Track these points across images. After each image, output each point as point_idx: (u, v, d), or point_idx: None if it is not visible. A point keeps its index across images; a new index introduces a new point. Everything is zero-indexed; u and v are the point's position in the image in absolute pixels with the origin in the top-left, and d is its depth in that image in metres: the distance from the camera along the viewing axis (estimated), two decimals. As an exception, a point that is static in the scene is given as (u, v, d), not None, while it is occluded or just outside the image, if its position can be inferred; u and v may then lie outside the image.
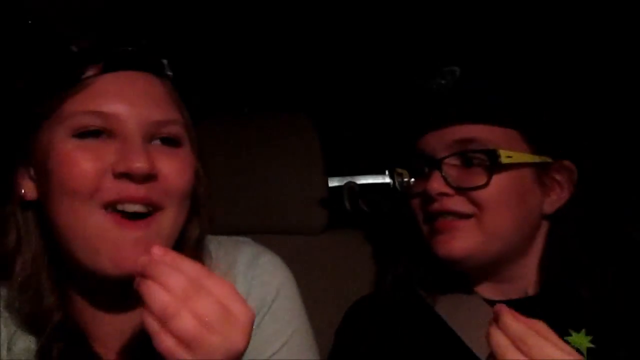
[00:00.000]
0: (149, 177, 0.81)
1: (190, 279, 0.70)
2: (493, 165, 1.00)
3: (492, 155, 1.00)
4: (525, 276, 1.06)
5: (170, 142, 0.86)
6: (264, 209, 1.46)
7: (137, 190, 0.81)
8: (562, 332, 0.96)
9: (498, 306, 0.80)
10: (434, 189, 1.02)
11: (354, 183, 2.07)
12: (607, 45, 1.55)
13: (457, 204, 1.02)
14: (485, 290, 1.08)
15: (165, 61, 0.90)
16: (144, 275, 0.71)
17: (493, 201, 1.01)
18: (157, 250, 0.73)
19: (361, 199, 1.97)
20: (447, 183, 1.01)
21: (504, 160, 0.99)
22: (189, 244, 0.92)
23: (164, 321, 0.69)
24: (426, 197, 1.04)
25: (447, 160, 1.02)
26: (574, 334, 0.96)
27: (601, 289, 1.00)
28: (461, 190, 1.01)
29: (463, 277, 1.09)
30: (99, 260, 0.81)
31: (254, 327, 0.73)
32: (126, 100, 0.83)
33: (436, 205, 1.03)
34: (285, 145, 1.48)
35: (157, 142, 0.85)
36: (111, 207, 0.81)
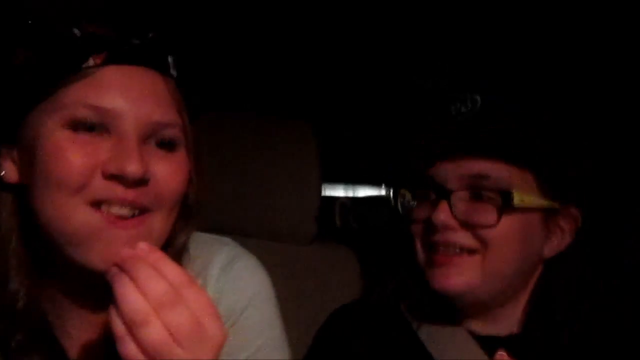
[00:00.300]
0: (140, 182, 0.78)
1: (170, 285, 0.67)
2: (505, 205, 0.98)
3: (506, 196, 0.98)
4: (513, 315, 1.05)
5: (166, 145, 0.82)
6: (255, 213, 1.44)
7: (125, 192, 0.77)
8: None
9: (499, 356, 0.81)
10: (440, 220, 0.99)
11: (346, 199, 2.06)
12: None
13: (462, 237, 1.00)
14: (472, 323, 1.07)
15: (171, 59, 0.86)
16: (122, 269, 0.68)
17: (499, 240, 0.99)
18: (144, 246, 0.70)
19: (352, 215, 1.96)
20: (454, 216, 0.99)
21: (516, 202, 0.98)
22: (174, 249, 0.88)
23: (131, 327, 0.65)
24: (429, 226, 1.02)
25: (457, 193, 1.00)
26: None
27: (583, 336, 0.99)
28: (468, 226, 0.99)
29: (451, 307, 1.07)
30: (89, 255, 0.77)
31: None
32: (127, 96, 0.79)
33: (439, 236, 1.01)
34: (283, 151, 1.46)
35: (153, 143, 0.81)
36: (97, 205, 0.77)
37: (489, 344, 1.02)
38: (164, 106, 0.82)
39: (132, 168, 0.76)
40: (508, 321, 1.05)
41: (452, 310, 1.07)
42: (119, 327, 0.66)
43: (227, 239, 0.99)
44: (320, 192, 1.45)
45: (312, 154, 1.45)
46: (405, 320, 1.11)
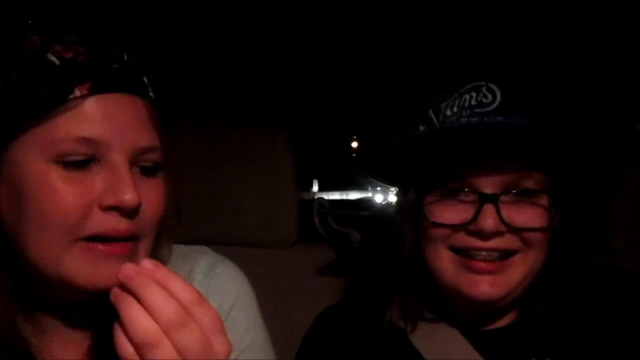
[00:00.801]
0: (136, 211, 0.77)
1: (180, 305, 0.66)
2: (554, 206, 0.97)
3: (556, 196, 0.97)
4: (510, 309, 1.04)
5: (148, 170, 0.81)
6: (233, 221, 1.44)
7: (119, 223, 0.76)
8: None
9: None
10: (489, 227, 0.94)
11: (324, 199, 2.06)
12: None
13: (507, 242, 0.96)
14: (465, 320, 1.05)
15: (146, 79, 0.84)
16: (125, 289, 0.67)
17: (542, 240, 0.97)
18: (148, 264, 0.68)
19: (330, 215, 1.97)
20: (502, 220, 0.95)
21: (559, 203, 0.97)
22: None
23: (141, 348, 0.65)
24: (462, 230, 0.97)
25: (501, 197, 0.95)
26: (537, 362, 0.96)
27: (577, 325, 0.99)
28: (515, 230, 0.96)
29: (443, 307, 1.06)
30: (74, 281, 0.77)
31: None
32: (114, 125, 0.77)
33: (480, 242, 0.96)
34: (256, 158, 1.46)
35: (136, 169, 0.80)
36: (91, 239, 0.76)
37: (480, 339, 1.02)
38: (147, 131, 0.81)
39: (129, 197, 0.75)
40: (499, 314, 1.04)
41: (443, 309, 1.06)
42: (127, 350, 0.65)
43: (205, 248, 1.00)
44: (296, 196, 1.46)
45: (287, 159, 1.45)
46: (394, 324, 1.08)
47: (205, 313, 0.67)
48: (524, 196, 0.96)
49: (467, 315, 1.04)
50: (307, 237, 1.54)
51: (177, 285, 0.67)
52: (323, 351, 1.11)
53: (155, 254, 0.87)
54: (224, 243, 1.29)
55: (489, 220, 0.93)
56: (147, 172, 0.81)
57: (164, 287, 0.67)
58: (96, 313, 0.80)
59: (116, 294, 0.68)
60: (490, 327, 1.04)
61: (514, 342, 1.01)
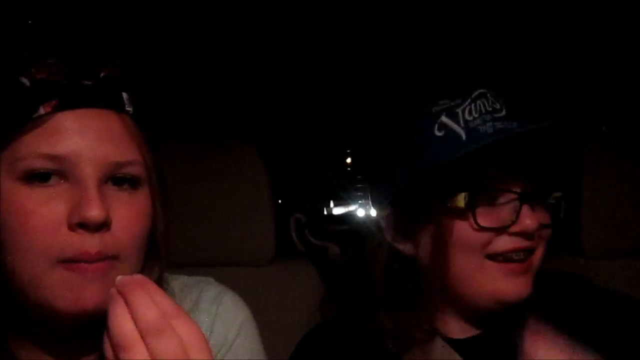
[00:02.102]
0: (102, 226, 0.76)
1: (161, 313, 0.66)
2: (558, 204, 1.00)
3: (560, 196, 1.00)
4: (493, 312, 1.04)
5: (127, 185, 0.80)
6: (209, 241, 1.43)
7: (92, 246, 0.75)
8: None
9: None
10: (532, 227, 0.96)
11: (301, 215, 2.07)
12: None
13: (536, 240, 0.99)
14: (448, 329, 1.05)
15: (125, 95, 0.82)
16: (120, 293, 0.67)
17: (549, 236, 1.00)
18: (140, 276, 0.69)
19: (308, 230, 1.97)
20: (537, 219, 0.97)
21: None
22: None
23: (116, 350, 0.65)
24: (513, 234, 0.97)
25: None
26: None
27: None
28: (541, 228, 0.98)
29: (432, 318, 1.06)
30: (55, 304, 0.76)
31: None
32: (82, 140, 0.76)
33: (522, 243, 0.97)
34: (229, 176, 1.45)
35: (112, 184, 0.79)
36: (66, 262, 0.75)
37: (463, 347, 1.03)
38: (121, 145, 0.79)
39: (94, 213, 0.74)
40: (485, 319, 1.04)
41: (428, 321, 1.06)
42: (107, 350, 0.66)
43: (210, 279, 1.01)
44: (273, 212, 1.45)
45: (261, 175, 1.45)
46: (379, 340, 1.06)
47: (186, 326, 0.67)
48: (541, 196, 0.99)
49: (465, 322, 1.04)
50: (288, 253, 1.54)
51: (161, 298, 0.67)
52: None
53: (146, 275, 0.84)
54: (201, 264, 1.29)
55: (529, 219, 0.95)
56: (125, 187, 0.80)
57: (150, 297, 0.67)
58: (94, 332, 0.79)
59: (112, 293, 0.67)
60: (476, 333, 1.04)
61: (502, 345, 1.01)
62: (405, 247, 1.05)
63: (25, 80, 0.77)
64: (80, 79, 0.78)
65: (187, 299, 0.94)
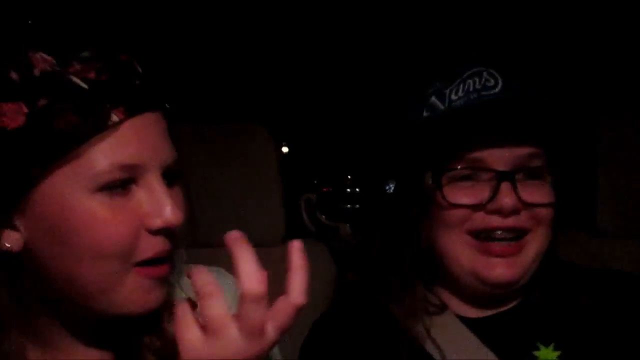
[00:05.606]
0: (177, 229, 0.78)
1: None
2: (558, 182, 0.99)
3: (557, 173, 0.99)
4: (512, 293, 1.03)
5: (172, 182, 0.80)
6: (218, 221, 1.41)
7: (165, 244, 0.77)
8: (531, 346, 0.96)
9: None
10: (511, 204, 0.95)
11: (312, 195, 2.06)
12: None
13: (524, 220, 0.97)
14: (462, 308, 1.05)
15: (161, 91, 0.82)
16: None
17: (550, 217, 0.99)
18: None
19: (319, 210, 1.97)
20: (519, 198, 0.96)
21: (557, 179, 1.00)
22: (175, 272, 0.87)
23: (208, 333, 0.69)
24: (480, 211, 0.97)
25: (517, 175, 0.97)
26: (542, 348, 0.95)
27: (571, 303, 1.00)
28: (529, 207, 0.97)
29: (441, 295, 1.06)
30: (127, 308, 0.77)
31: None
32: (148, 146, 0.76)
33: (500, 222, 0.96)
34: (238, 155, 1.44)
35: (167, 184, 0.79)
36: (142, 264, 0.76)
37: (483, 327, 1.02)
38: (168, 145, 0.79)
39: (175, 216, 0.76)
40: (505, 300, 1.04)
41: (441, 299, 1.06)
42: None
43: (221, 270, 0.99)
44: (281, 192, 1.44)
45: (270, 155, 1.44)
46: (394, 320, 1.06)
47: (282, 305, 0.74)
48: (534, 175, 0.98)
49: (475, 301, 1.04)
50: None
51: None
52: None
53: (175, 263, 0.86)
54: (210, 245, 1.28)
55: (508, 197, 0.95)
56: (171, 184, 0.80)
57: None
58: (113, 332, 0.81)
59: (205, 281, 0.70)
60: (491, 313, 1.04)
61: (518, 327, 1.00)
62: (407, 227, 1.05)
63: (78, 81, 0.72)
64: (130, 78, 0.76)
65: None
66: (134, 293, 0.76)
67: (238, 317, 0.69)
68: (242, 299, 0.68)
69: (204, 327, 0.69)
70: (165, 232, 0.76)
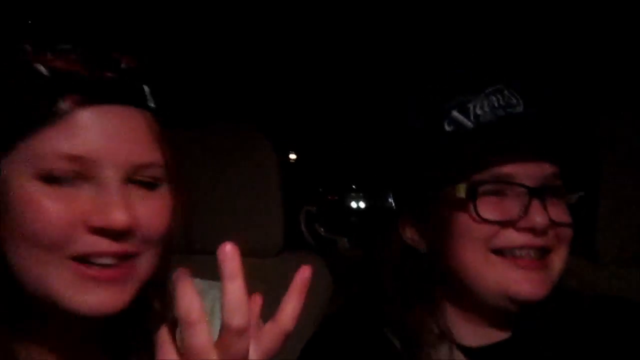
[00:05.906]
0: (124, 232, 0.74)
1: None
2: (580, 205, 0.99)
3: (582, 196, 0.99)
4: (508, 319, 1.02)
5: (148, 184, 0.78)
6: (215, 229, 1.41)
7: (110, 245, 0.74)
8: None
9: None
10: (542, 223, 0.93)
11: (312, 207, 2.06)
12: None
13: (549, 239, 0.96)
14: (463, 334, 1.03)
15: (147, 89, 0.79)
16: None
17: (570, 237, 0.98)
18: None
19: (318, 222, 1.96)
20: (549, 216, 0.95)
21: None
22: (160, 283, 0.84)
23: (183, 326, 0.67)
24: (520, 229, 0.95)
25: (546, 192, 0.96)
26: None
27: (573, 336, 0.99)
28: (556, 226, 0.96)
29: (442, 321, 1.04)
30: (59, 301, 0.74)
31: None
32: (104, 140, 0.73)
33: (531, 239, 0.95)
34: (237, 162, 1.43)
35: (133, 184, 0.77)
36: (80, 259, 0.74)
37: (475, 355, 1.00)
38: (142, 145, 0.76)
39: (118, 218, 0.72)
40: (505, 326, 1.02)
41: (442, 326, 1.03)
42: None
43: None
44: (282, 201, 1.43)
45: (269, 162, 1.42)
46: (389, 342, 1.05)
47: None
48: (557, 193, 0.97)
49: (479, 324, 1.02)
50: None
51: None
52: None
53: (162, 270, 0.83)
54: (206, 252, 1.27)
55: (540, 216, 0.93)
56: (146, 185, 0.78)
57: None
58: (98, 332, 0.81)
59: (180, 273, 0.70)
60: (492, 341, 1.02)
61: (519, 356, 0.99)
62: (415, 242, 1.04)
63: (42, 69, 0.73)
64: (102, 70, 0.75)
65: (205, 304, 0.91)
66: (70, 289, 0.73)
67: (220, 345, 0.67)
68: (224, 329, 0.66)
69: (185, 355, 0.67)
70: (109, 232, 0.73)
